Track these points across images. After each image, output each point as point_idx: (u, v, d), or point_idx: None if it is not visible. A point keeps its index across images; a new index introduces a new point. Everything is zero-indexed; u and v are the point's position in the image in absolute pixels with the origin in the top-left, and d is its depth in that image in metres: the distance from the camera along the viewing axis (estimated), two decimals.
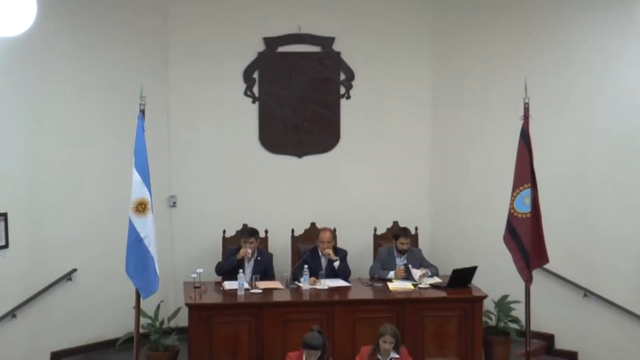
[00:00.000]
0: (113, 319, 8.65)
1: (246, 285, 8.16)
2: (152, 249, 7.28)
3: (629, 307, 8.65)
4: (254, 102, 9.60)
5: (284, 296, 8.16)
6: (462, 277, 8.33)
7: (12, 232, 8.28)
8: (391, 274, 8.56)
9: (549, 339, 9.17)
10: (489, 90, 9.41)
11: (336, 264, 8.65)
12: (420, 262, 8.75)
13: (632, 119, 8.57)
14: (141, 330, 7.64)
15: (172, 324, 8.25)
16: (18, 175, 8.38)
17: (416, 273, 8.49)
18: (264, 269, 8.59)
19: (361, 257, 9.15)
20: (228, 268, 8.54)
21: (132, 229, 7.25)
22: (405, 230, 8.86)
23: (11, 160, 8.31)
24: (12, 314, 8.30)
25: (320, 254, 8.71)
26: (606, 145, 8.76)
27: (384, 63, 9.70)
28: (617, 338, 8.74)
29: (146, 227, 7.25)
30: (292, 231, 9.30)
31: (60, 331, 8.70)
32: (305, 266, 8.40)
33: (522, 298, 7.99)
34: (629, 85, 8.59)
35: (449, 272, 8.39)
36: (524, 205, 7.79)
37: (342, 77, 9.71)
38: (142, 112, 7.32)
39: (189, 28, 9.38)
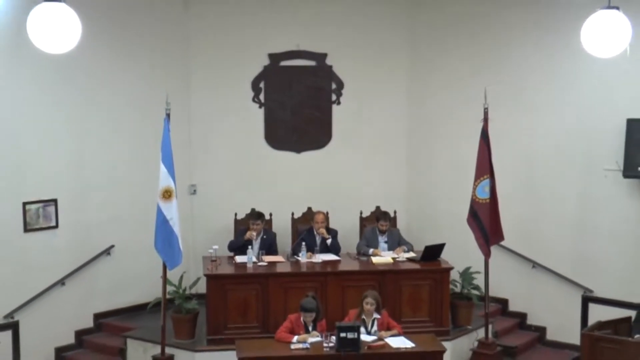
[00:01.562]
0: (144, 287, 8.63)
1: (254, 259, 8.17)
2: (176, 229, 7.29)
3: (568, 275, 8.70)
4: (260, 107, 9.57)
5: (285, 268, 8.16)
6: (433, 252, 8.34)
7: (61, 215, 8.30)
8: (371, 251, 8.55)
9: (504, 302, 9.20)
10: (455, 97, 9.39)
11: (329, 241, 8.64)
12: (398, 240, 8.76)
13: (569, 121, 8.61)
14: (167, 296, 7.68)
15: (193, 291, 8.24)
16: (66, 168, 8.39)
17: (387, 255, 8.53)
18: (269, 246, 8.58)
19: (349, 235, 9.12)
20: (237, 245, 8.54)
21: (159, 212, 7.26)
22: (385, 214, 8.86)
23: (61, 156, 8.34)
24: (61, 282, 8.34)
25: (315, 233, 8.70)
26: (550, 143, 8.79)
27: (368, 75, 9.67)
28: (558, 301, 8.79)
29: (171, 210, 7.26)
30: (292, 214, 9.28)
31: (101, 296, 8.71)
32: (303, 243, 8.43)
33: (482, 269, 8.03)
34: (566, 94, 8.63)
35: (422, 248, 8.41)
36: (484, 193, 7.81)
37: (334, 86, 9.68)
38: (168, 115, 7.33)
39: (207, 46, 9.34)
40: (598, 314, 8.25)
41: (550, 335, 8.89)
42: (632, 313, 7.83)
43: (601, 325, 7.76)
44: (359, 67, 9.65)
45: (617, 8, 4.73)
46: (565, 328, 8.64)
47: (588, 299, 8.59)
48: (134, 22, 8.83)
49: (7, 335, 7.76)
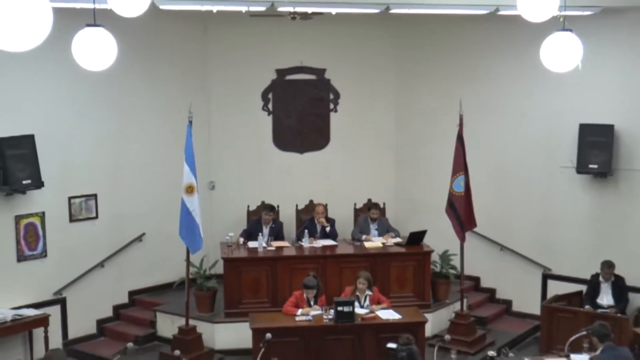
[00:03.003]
0: (170, 268, 8.64)
1: (264, 244, 8.20)
2: (198, 219, 7.30)
3: (531, 256, 8.75)
4: (269, 114, 9.59)
5: (290, 252, 8.20)
6: (417, 237, 8.38)
7: (100, 207, 8.34)
8: (363, 237, 8.58)
9: (476, 280, 9.23)
10: (435, 105, 9.38)
11: (327, 229, 8.67)
12: (387, 227, 8.79)
13: (531, 125, 8.66)
14: (190, 276, 7.71)
15: (212, 271, 8.28)
16: (105, 167, 8.43)
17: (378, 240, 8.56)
18: (277, 233, 8.60)
19: (345, 224, 9.11)
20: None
21: (183, 205, 7.28)
22: (375, 205, 8.90)
23: (101, 157, 8.38)
24: (101, 264, 8.38)
25: (316, 222, 8.72)
26: (515, 144, 8.83)
27: (361, 87, 9.67)
28: (522, 278, 8.83)
29: (193, 203, 7.27)
30: (296, 206, 9.29)
31: (134, 276, 8.74)
32: (306, 230, 8.45)
33: (458, 252, 8.07)
34: (528, 103, 8.68)
35: (407, 234, 8.45)
36: (459, 187, 7.84)
37: (331, 96, 9.69)
38: (190, 122, 7.33)
39: (223, 63, 9.35)
40: (555, 288, 8.35)
41: (515, 307, 8.94)
42: (583, 287, 7.94)
43: (558, 298, 7.87)
44: (354, 80, 9.65)
45: (571, 30, 4.81)
46: (528, 301, 8.71)
47: (547, 276, 8.68)
48: (161, 44, 8.86)
49: (57, 309, 7.90)
